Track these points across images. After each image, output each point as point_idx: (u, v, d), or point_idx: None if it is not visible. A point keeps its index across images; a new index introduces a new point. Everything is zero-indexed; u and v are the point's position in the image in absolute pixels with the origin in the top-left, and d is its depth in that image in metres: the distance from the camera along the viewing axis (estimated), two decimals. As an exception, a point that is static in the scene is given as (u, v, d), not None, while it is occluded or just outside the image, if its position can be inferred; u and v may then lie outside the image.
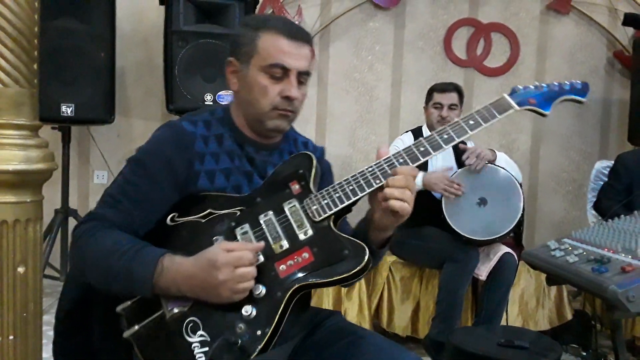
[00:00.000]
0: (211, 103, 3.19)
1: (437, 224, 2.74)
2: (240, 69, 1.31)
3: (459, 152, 2.86)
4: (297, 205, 1.22)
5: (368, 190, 1.20)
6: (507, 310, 2.77)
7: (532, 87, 1.34)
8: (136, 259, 1.14)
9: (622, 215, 1.78)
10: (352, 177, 1.21)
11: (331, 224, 1.20)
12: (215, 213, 1.23)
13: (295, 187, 1.25)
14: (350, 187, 1.20)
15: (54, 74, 3.04)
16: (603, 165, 3.27)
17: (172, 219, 1.24)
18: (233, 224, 1.22)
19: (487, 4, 4.16)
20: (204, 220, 1.23)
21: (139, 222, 1.21)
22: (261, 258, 1.17)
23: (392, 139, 3.72)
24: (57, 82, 3.07)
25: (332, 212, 1.20)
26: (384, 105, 4.11)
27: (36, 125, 1.34)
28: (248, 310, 1.13)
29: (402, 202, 1.16)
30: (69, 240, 1.50)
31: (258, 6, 3.59)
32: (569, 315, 3.08)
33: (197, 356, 1.12)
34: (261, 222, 1.22)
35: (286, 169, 1.28)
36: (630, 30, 4.16)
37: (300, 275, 1.16)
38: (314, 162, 1.27)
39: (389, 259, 2.98)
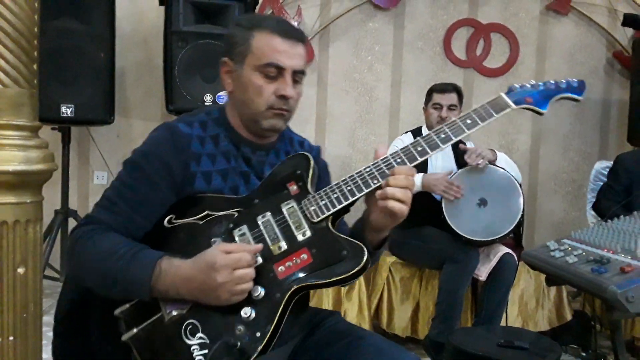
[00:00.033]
0: (211, 103, 3.19)
1: (437, 224, 2.74)
2: (234, 69, 1.30)
3: (458, 152, 2.86)
4: (295, 206, 1.22)
5: (366, 191, 1.19)
6: (506, 311, 2.77)
7: (528, 85, 1.34)
8: (134, 262, 1.13)
9: (622, 216, 1.78)
10: (349, 177, 1.21)
11: (329, 224, 1.20)
12: (213, 215, 1.23)
13: (293, 187, 1.24)
14: (348, 188, 1.20)
15: (53, 75, 3.04)
16: (602, 166, 3.27)
17: (169, 221, 1.23)
18: (231, 225, 1.22)
19: (487, 5, 4.16)
20: (201, 222, 1.22)
21: (136, 224, 1.21)
22: (259, 260, 1.17)
23: (391, 140, 3.72)
24: (56, 82, 3.07)
25: (330, 212, 1.19)
26: (384, 105, 4.11)
27: (36, 125, 1.34)
28: (247, 312, 1.13)
29: (402, 204, 1.16)
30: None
31: (258, 7, 3.59)
32: (569, 316, 3.08)
33: (196, 358, 1.12)
34: (259, 223, 1.21)
35: (283, 170, 1.27)
36: (629, 31, 4.16)
37: (299, 276, 1.15)
38: (312, 162, 1.27)
39: (389, 259, 2.98)
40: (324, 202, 1.20)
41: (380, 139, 4.06)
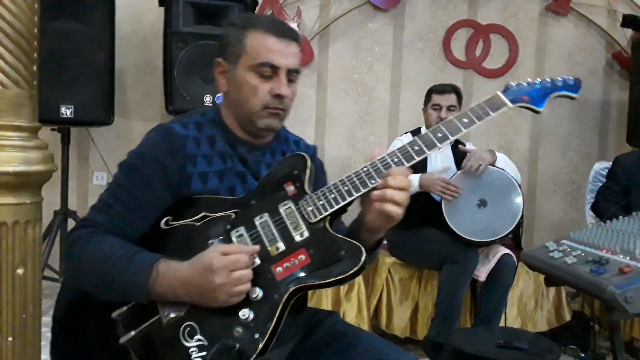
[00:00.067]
0: (210, 104, 3.19)
1: (437, 225, 2.74)
2: (228, 69, 1.30)
3: (458, 153, 2.86)
4: (293, 207, 1.22)
5: (363, 190, 1.19)
6: (505, 312, 2.77)
7: (525, 84, 1.34)
8: (131, 265, 1.13)
9: (621, 217, 1.79)
10: (347, 177, 1.21)
11: (327, 225, 1.19)
12: (210, 216, 1.22)
13: (290, 188, 1.24)
14: (346, 188, 1.20)
15: (53, 76, 3.04)
16: (602, 167, 3.27)
17: (166, 223, 1.23)
18: (228, 226, 1.21)
19: (486, 5, 4.16)
20: (198, 224, 1.22)
21: (133, 226, 1.20)
22: (257, 261, 1.16)
23: (391, 140, 3.73)
24: (56, 83, 3.07)
25: (327, 213, 1.19)
26: (383, 106, 4.12)
27: (36, 126, 1.34)
28: (245, 313, 1.12)
29: (399, 207, 1.16)
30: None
31: (257, 7, 3.59)
32: (568, 317, 3.08)
33: None
34: (256, 224, 1.21)
35: (280, 170, 1.27)
36: (629, 32, 4.16)
37: (297, 277, 1.15)
38: (308, 162, 1.26)
39: (388, 260, 2.98)
40: (321, 202, 1.20)
41: (380, 140, 4.07)
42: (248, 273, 1.12)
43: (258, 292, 1.14)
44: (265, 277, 1.16)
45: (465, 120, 1.25)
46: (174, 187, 1.24)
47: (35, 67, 1.31)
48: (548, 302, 3.06)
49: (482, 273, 2.72)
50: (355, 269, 1.13)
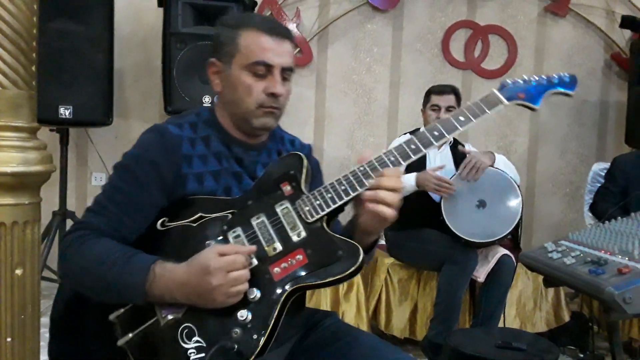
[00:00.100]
0: (210, 105, 3.18)
1: (436, 226, 2.74)
2: (222, 69, 1.30)
3: (457, 154, 2.86)
4: (289, 207, 1.21)
5: (360, 190, 1.19)
6: (504, 312, 2.77)
7: (521, 81, 1.33)
8: (127, 267, 1.12)
9: (619, 217, 1.79)
10: (343, 176, 1.20)
11: (324, 224, 1.19)
12: (206, 217, 1.22)
13: (287, 188, 1.23)
14: (342, 187, 1.19)
15: (52, 76, 3.04)
16: (600, 168, 3.28)
17: (162, 224, 1.22)
18: (225, 227, 1.21)
19: (485, 6, 4.17)
20: (195, 225, 1.21)
21: (128, 228, 1.20)
22: (255, 261, 1.16)
23: (390, 141, 3.73)
24: (55, 84, 3.07)
25: (324, 212, 1.19)
26: (382, 107, 4.12)
27: (34, 127, 1.34)
28: (243, 314, 1.12)
29: (391, 207, 1.15)
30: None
31: (256, 8, 3.59)
32: (566, 317, 3.08)
33: None
34: (253, 224, 1.20)
35: (277, 170, 1.26)
36: (627, 33, 4.17)
37: (294, 277, 1.15)
38: (305, 162, 1.26)
39: (387, 260, 2.98)
40: (318, 202, 1.19)
41: (379, 141, 4.07)
42: (245, 273, 1.11)
43: (256, 293, 1.13)
44: (262, 277, 1.15)
45: (462, 118, 1.25)
46: (168, 188, 1.23)
47: (34, 68, 1.31)
48: (547, 303, 3.06)
49: (481, 274, 2.72)
50: (353, 268, 1.13)
